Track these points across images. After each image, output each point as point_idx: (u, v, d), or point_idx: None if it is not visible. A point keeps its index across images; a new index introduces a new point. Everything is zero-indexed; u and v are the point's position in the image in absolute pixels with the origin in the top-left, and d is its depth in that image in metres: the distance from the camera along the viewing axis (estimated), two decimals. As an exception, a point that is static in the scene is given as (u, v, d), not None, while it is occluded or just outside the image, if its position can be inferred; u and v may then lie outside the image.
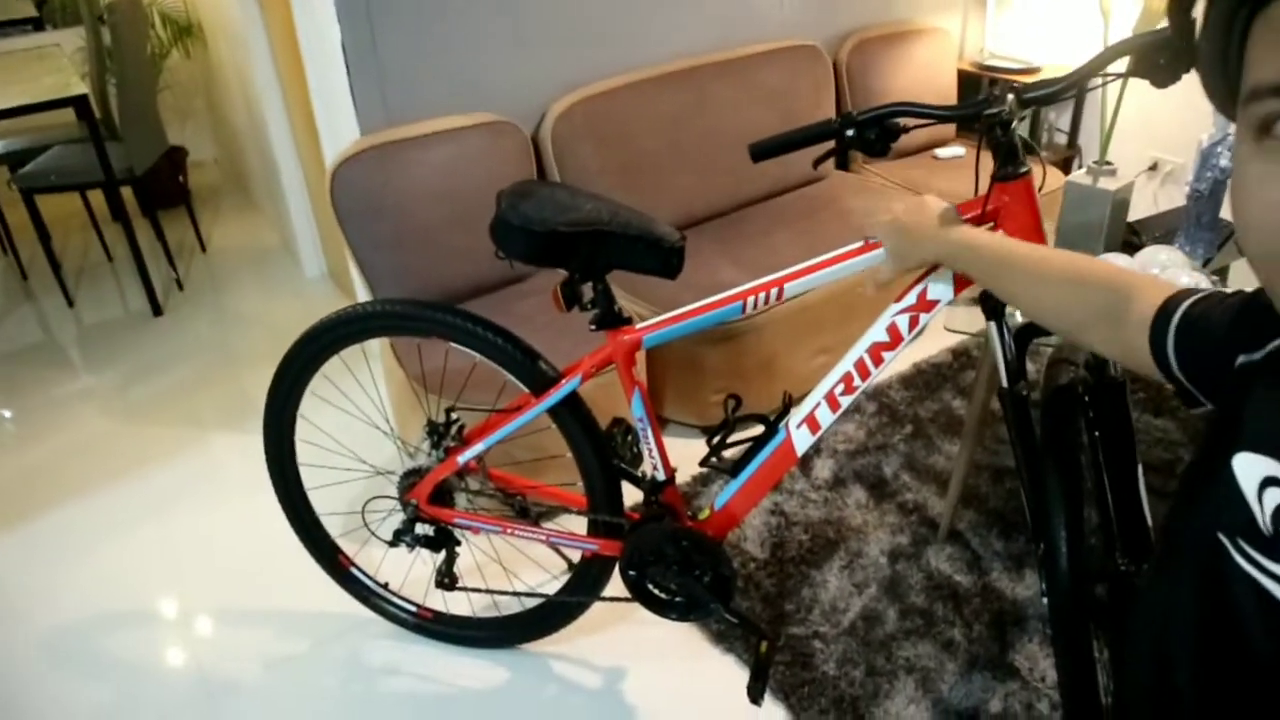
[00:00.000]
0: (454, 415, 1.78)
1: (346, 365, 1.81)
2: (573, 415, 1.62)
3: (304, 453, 1.86)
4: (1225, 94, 0.59)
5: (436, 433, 1.76)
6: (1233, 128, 1.58)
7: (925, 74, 3.32)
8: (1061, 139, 3.56)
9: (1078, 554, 1.34)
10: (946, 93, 3.40)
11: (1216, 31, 0.55)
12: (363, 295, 2.40)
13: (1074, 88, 1.31)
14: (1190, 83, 1.26)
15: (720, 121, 2.77)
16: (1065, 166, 3.45)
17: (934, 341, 2.83)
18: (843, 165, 3.28)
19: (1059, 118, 3.53)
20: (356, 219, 2.29)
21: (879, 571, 2.06)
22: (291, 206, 3.53)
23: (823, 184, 3.02)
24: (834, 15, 3.19)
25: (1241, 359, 0.74)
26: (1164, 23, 1.29)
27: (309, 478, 1.88)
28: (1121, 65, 1.28)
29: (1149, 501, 1.41)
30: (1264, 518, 0.63)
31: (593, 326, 1.51)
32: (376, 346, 2.30)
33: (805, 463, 2.37)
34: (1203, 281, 1.68)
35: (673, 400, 2.48)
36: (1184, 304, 0.84)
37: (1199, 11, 0.57)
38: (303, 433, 1.81)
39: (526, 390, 1.63)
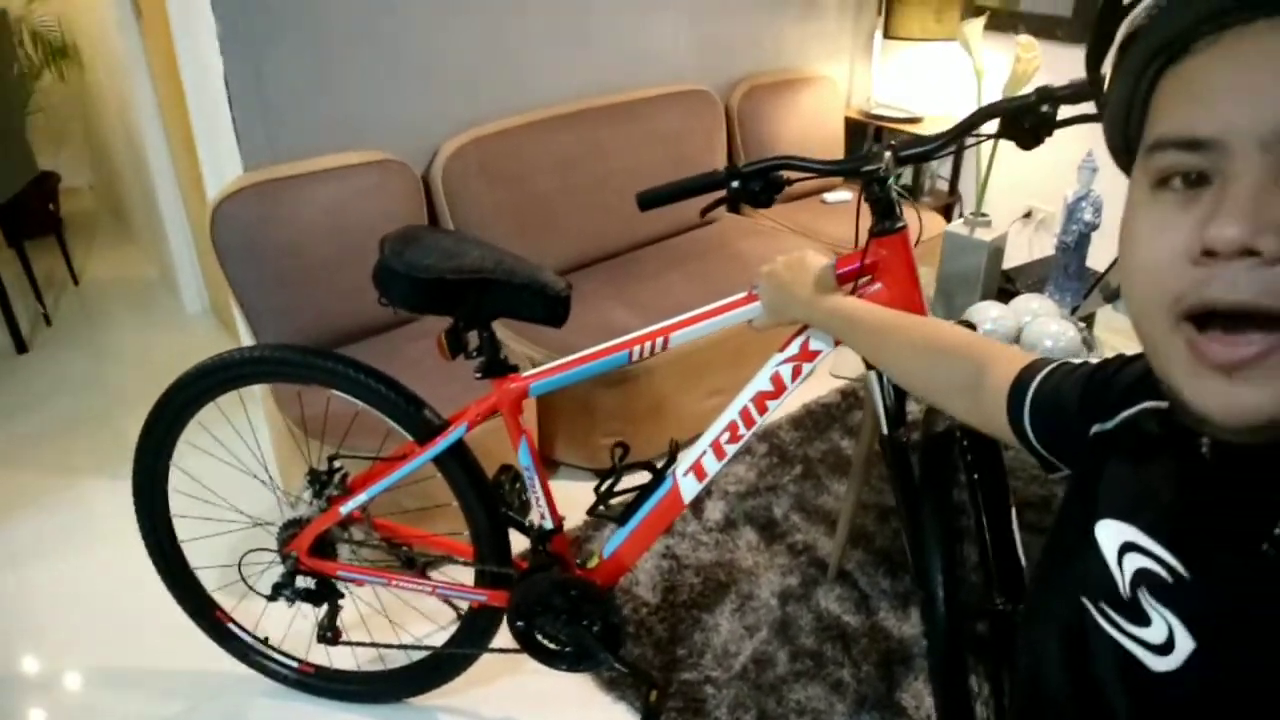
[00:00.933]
0: (337, 463, 1.73)
1: (222, 412, 1.74)
2: (458, 464, 1.59)
3: (178, 504, 1.77)
4: (1123, 145, 0.61)
5: (319, 481, 1.70)
6: (1094, 185, 1.66)
7: (814, 121, 3.42)
8: (944, 185, 3.70)
9: (953, 594, 1.37)
10: (834, 139, 3.51)
11: (1125, 83, 0.57)
12: (246, 333, 2.32)
13: (947, 147, 1.36)
14: (1059, 138, 1.32)
15: (614, 164, 2.79)
16: (947, 213, 3.59)
17: (824, 382, 2.89)
18: (735, 209, 3.34)
19: (940, 166, 3.67)
20: (238, 257, 2.21)
21: (770, 614, 2.07)
22: (172, 238, 3.40)
23: (714, 227, 3.07)
24: (726, 62, 3.27)
25: (1095, 428, 0.77)
26: (1029, 87, 1.36)
27: (183, 530, 1.79)
28: (993, 126, 1.34)
29: (1027, 540, 1.46)
30: (1123, 582, 0.65)
31: (478, 375, 1.49)
32: (256, 390, 2.22)
33: (697, 505, 2.38)
34: (1069, 329, 1.75)
35: (564, 443, 2.47)
36: (1038, 377, 0.87)
37: (1108, 65, 0.60)
38: (176, 482, 1.73)
39: (411, 439, 1.59)
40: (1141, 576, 0.63)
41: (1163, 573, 0.61)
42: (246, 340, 2.33)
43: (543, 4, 2.70)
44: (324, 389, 1.61)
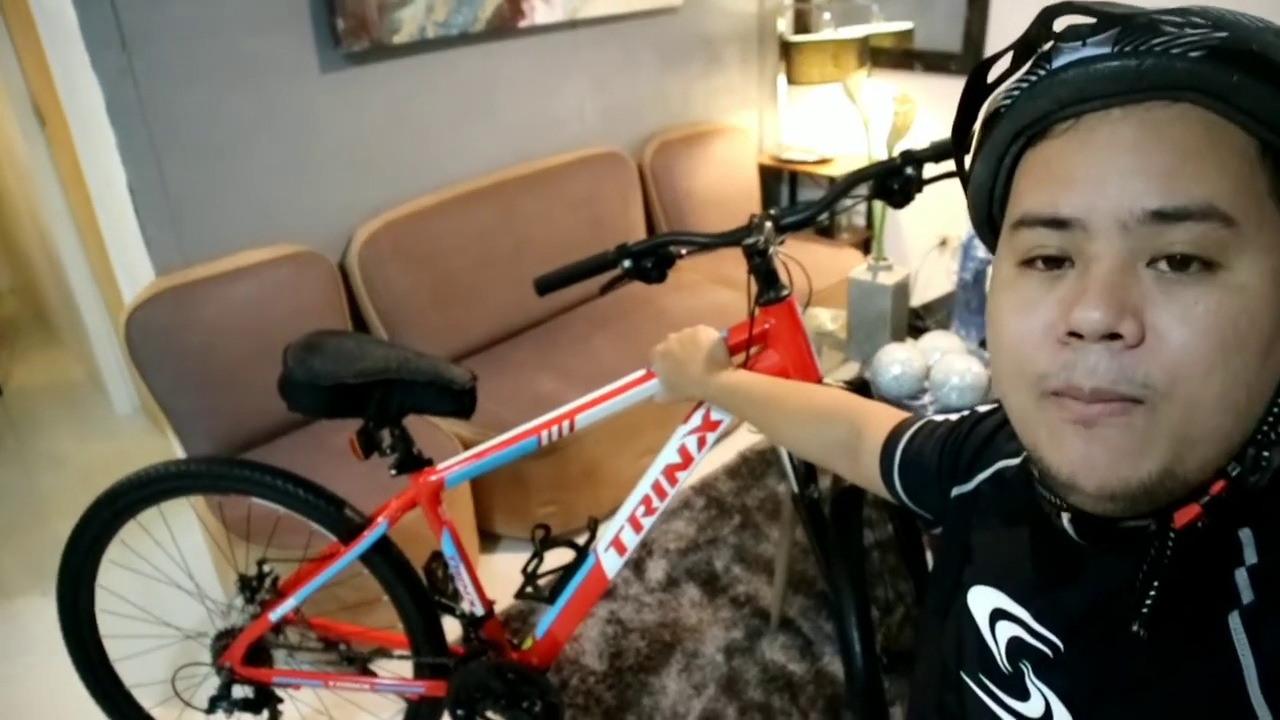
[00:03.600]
0: (266, 567, 1.72)
1: (143, 526, 1.73)
2: (384, 560, 1.59)
3: (108, 623, 1.75)
4: (988, 222, 0.63)
5: (249, 588, 1.69)
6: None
7: (727, 170, 3.50)
8: (860, 220, 3.80)
9: (869, 642, 1.40)
10: (749, 186, 3.59)
11: (988, 163, 0.59)
12: (174, 436, 2.31)
13: (824, 211, 1.42)
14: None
15: (530, 232, 2.83)
16: (865, 246, 3.68)
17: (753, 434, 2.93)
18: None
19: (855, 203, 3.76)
20: (156, 364, 2.20)
21: (716, 670, 2.08)
22: (96, 341, 3.36)
23: (636, 285, 3.10)
24: (634, 120, 3.34)
25: (955, 490, 0.78)
26: (901, 146, 1.42)
27: (116, 649, 1.76)
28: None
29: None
30: (999, 653, 0.65)
31: (393, 472, 1.51)
32: (180, 502, 2.20)
33: (638, 565, 2.40)
34: (975, 364, 1.81)
35: (502, 517, 2.47)
36: (904, 437, 0.89)
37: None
38: (103, 602, 1.71)
39: (335, 539, 1.60)
40: (1018, 648, 0.64)
41: (1036, 643, 0.62)
42: (176, 442, 2.32)
43: (448, 83, 2.74)
44: (243, 497, 1.61)
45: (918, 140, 1.43)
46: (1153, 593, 0.53)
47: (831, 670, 2.06)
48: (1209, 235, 0.48)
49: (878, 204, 2.45)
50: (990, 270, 0.63)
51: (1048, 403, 0.53)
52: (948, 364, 1.81)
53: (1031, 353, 0.53)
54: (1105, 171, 0.50)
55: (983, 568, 0.70)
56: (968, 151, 0.63)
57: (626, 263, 1.43)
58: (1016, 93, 0.56)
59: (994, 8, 3.03)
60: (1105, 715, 0.57)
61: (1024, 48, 0.55)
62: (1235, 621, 0.51)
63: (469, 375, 1.47)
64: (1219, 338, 0.48)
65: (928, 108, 3.02)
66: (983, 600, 0.68)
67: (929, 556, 1.54)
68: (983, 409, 0.81)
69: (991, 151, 0.58)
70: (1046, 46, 0.54)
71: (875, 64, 3.34)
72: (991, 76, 0.58)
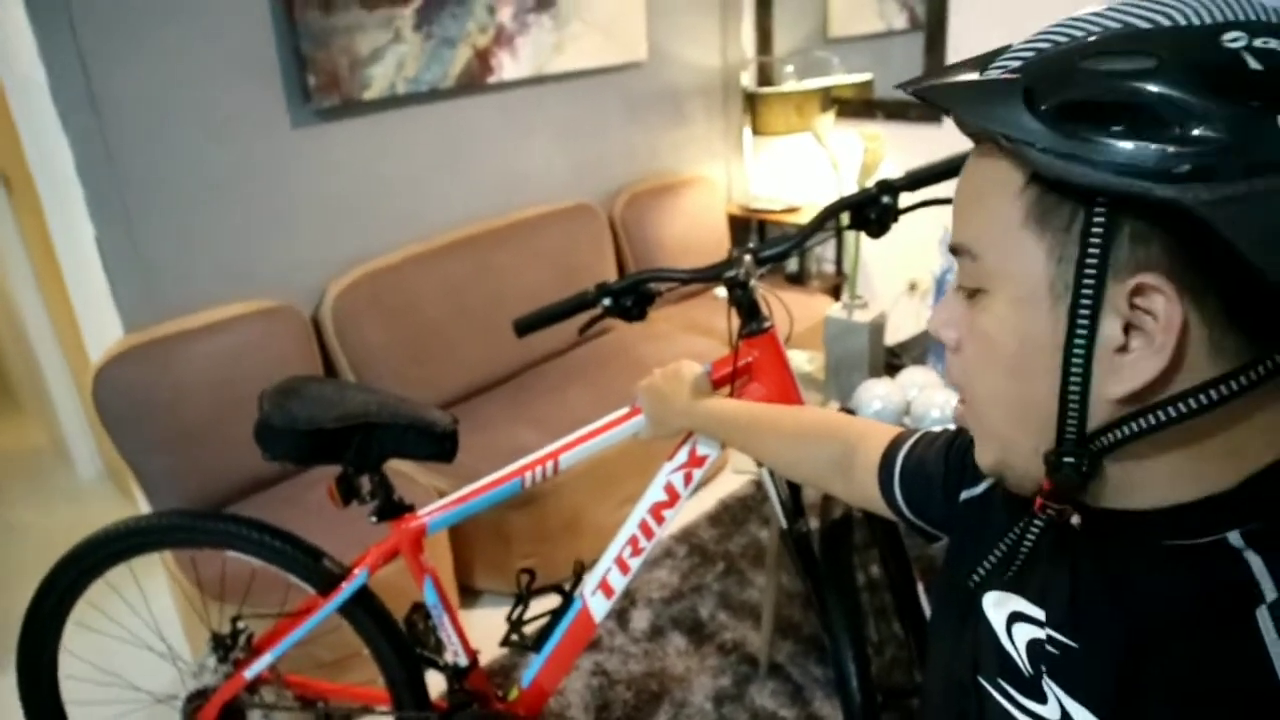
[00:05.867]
0: (241, 624, 1.67)
1: (111, 585, 1.67)
2: (364, 611, 1.56)
3: (71, 690, 1.68)
4: None
5: (223, 646, 1.64)
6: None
7: (697, 220, 3.53)
8: (830, 268, 3.84)
9: (865, 675, 1.38)
10: (719, 236, 3.63)
11: None
12: (143, 498, 2.25)
13: (803, 244, 1.42)
14: (927, 215, 1.40)
15: (503, 285, 2.83)
16: (836, 293, 3.72)
17: (736, 477, 2.92)
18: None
19: (825, 250, 3.82)
20: (125, 423, 2.15)
21: (706, 718, 2.04)
22: (59, 406, 3.29)
23: (611, 335, 3.12)
24: (604, 174, 3.37)
25: (964, 494, 0.78)
26: (880, 173, 1.44)
27: (79, 717, 1.69)
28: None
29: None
30: (1020, 657, 0.65)
31: (373, 519, 1.47)
32: (152, 558, 2.14)
33: (622, 615, 2.35)
34: (954, 398, 1.82)
35: (482, 570, 2.43)
36: (903, 449, 0.89)
37: None
38: (67, 667, 1.64)
39: (313, 591, 1.55)
40: (1036, 650, 0.63)
41: (1050, 645, 0.62)
42: (145, 503, 2.26)
43: (418, 138, 2.76)
44: (218, 551, 1.56)
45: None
46: (994, 556, 0.62)
47: (823, 714, 2.02)
48: (968, 268, 0.58)
49: (850, 244, 2.49)
50: None
51: None
52: (927, 398, 1.82)
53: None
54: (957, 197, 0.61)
55: (995, 571, 0.68)
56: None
57: (606, 301, 1.42)
58: None
59: (950, 56, 3.11)
60: (1134, 715, 0.56)
61: None
62: (1264, 615, 0.51)
63: (450, 418, 1.45)
64: (976, 351, 0.59)
65: (892, 154, 3.08)
66: (998, 604, 0.68)
67: (921, 591, 1.53)
68: None
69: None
70: None
71: (838, 114, 3.41)
72: None
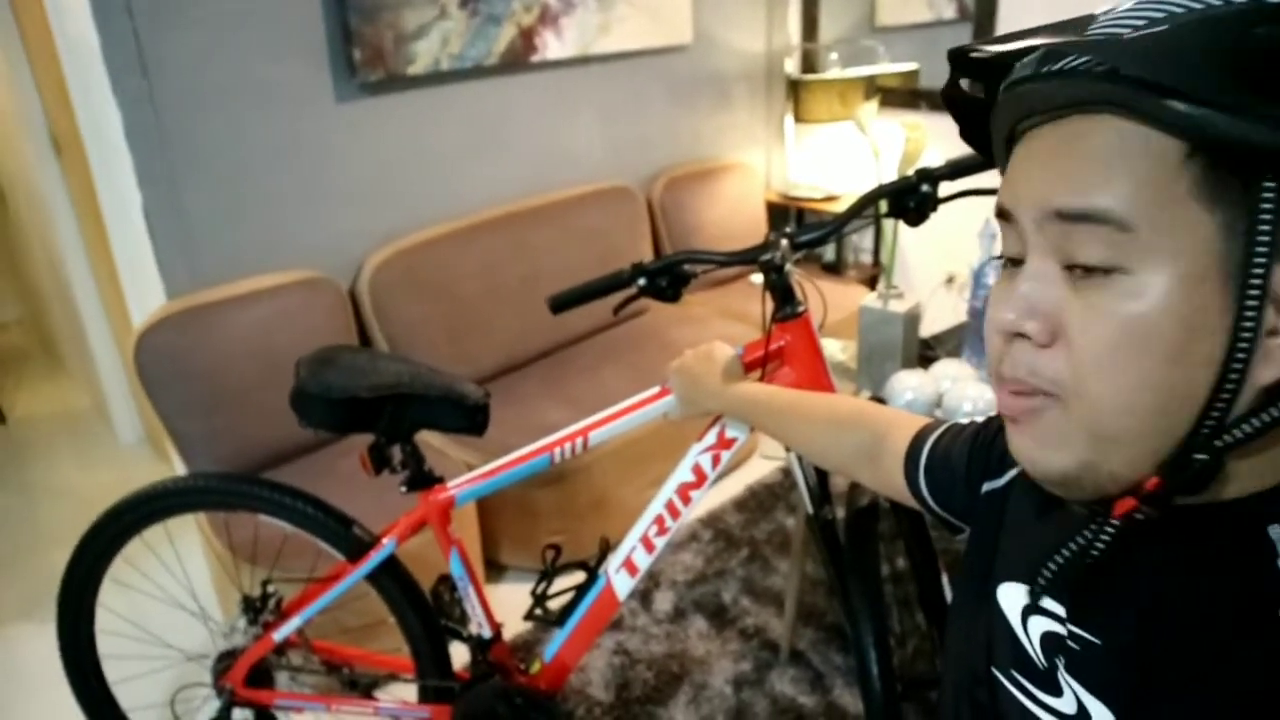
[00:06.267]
0: (271, 588, 1.70)
1: (147, 545, 1.71)
2: (392, 579, 1.58)
3: (107, 644, 1.72)
4: None
5: (252, 608, 1.67)
6: (995, 250, 1.73)
7: (735, 207, 3.52)
8: (867, 258, 3.81)
9: (887, 665, 1.38)
10: (756, 223, 3.62)
11: (1000, 155, 0.63)
12: (180, 461, 2.29)
13: (839, 230, 1.42)
14: (968, 207, 1.38)
15: (539, 265, 2.84)
16: (872, 283, 3.69)
17: (765, 463, 2.92)
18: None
19: (862, 239, 3.79)
20: (165, 387, 2.20)
21: (725, 702, 2.05)
22: (103, 370, 3.36)
23: (646, 316, 3.12)
24: (644, 156, 3.37)
25: (986, 487, 0.78)
26: (921, 162, 1.43)
27: (115, 671, 1.74)
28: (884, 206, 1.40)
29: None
30: (1035, 650, 0.64)
31: (403, 489, 1.49)
32: (186, 520, 2.18)
33: (645, 596, 2.37)
34: (987, 392, 1.80)
35: (508, 546, 2.45)
36: (930, 439, 0.89)
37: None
38: (103, 622, 1.68)
39: (342, 558, 1.58)
40: (1051, 643, 0.63)
41: (1070, 639, 0.61)
42: (182, 468, 2.30)
43: (460, 115, 2.77)
44: (251, 515, 1.59)
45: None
46: (1061, 559, 0.58)
47: (842, 703, 2.02)
48: (1105, 239, 0.50)
49: (888, 232, 2.46)
50: None
51: (997, 389, 0.59)
52: (959, 391, 1.81)
53: (990, 339, 0.58)
54: (1029, 171, 0.55)
55: (1013, 563, 0.70)
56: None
57: (641, 281, 1.42)
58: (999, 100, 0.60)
59: (1000, 48, 3.07)
60: (1152, 711, 0.56)
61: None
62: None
63: (482, 391, 1.46)
64: (1119, 340, 0.50)
65: (935, 144, 3.04)
66: (1014, 596, 0.68)
67: (945, 583, 1.52)
68: None
69: (999, 147, 0.63)
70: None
71: (882, 103, 3.37)
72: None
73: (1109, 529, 0.55)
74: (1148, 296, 0.50)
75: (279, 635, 1.60)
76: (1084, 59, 0.51)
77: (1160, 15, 0.49)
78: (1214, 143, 0.48)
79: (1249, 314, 0.49)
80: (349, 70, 2.47)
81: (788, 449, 1.47)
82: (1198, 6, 0.48)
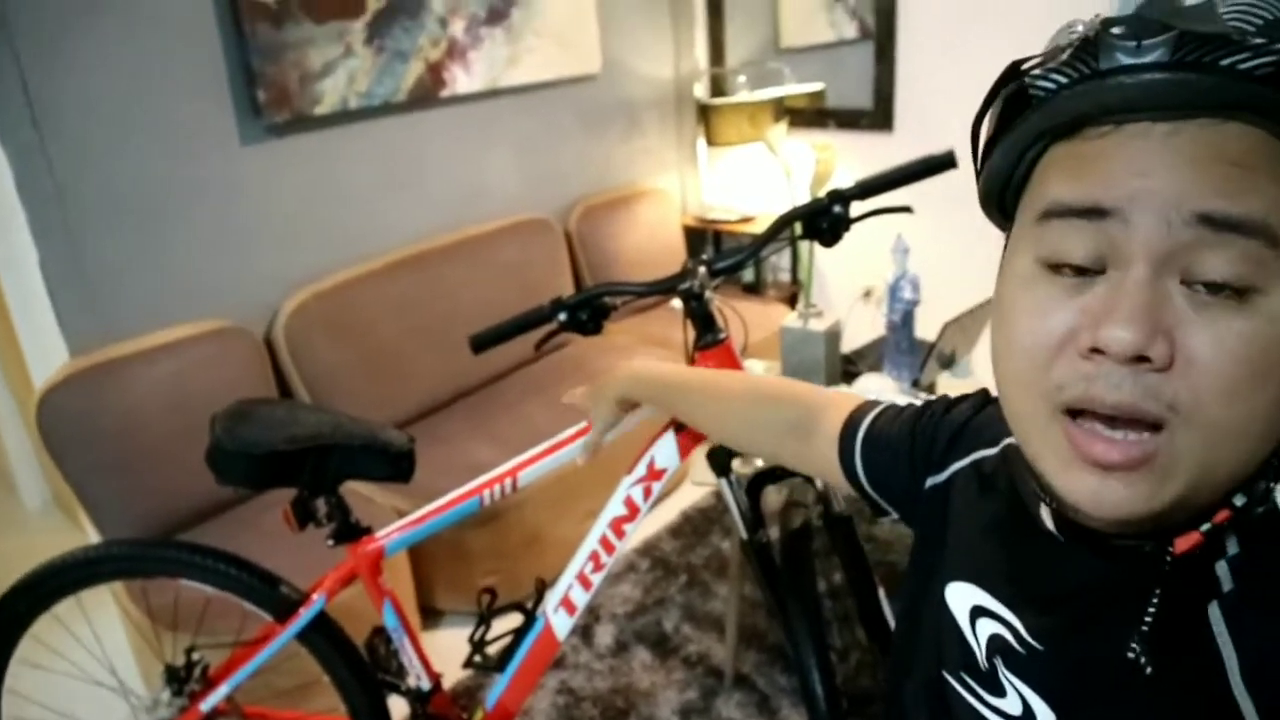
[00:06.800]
0: (195, 655, 1.63)
1: (58, 618, 1.62)
2: (323, 637, 1.53)
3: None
4: (998, 204, 0.60)
5: (177, 678, 1.60)
6: (907, 264, 1.74)
7: (652, 232, 3.54)
8: (785, 277, 3.86)
9: (831, 684, 1.38)
10: (674, 248, 3.64)
11: (1011, 150, 0.55)
12: (91, 526, 2.19)
13: (757, 254, 1.43)
14: (882, 225, 1.41)
15: (459, 302, 2.81)
16: (792, 301, 3.74)
17: (696, 488, 2.91)
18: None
19: (780, 259, 3.84)
20: (71, 449, 2.10)
21: (672, 732, 2.03)
22: (4, 432, 3.20)
23: (569, 349, 3.10)
24: (560, 187, 3.37)
25: (929, 482, 0.76)
26: (826, 189, 1.45)
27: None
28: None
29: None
30: (980, 651, 0.64)
31: (330, 542, 1.45)
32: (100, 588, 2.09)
33: (586, 631, 2.34)
34: (916, 402, 1.84)
35: (444, 591, 2.40)
36: (868, 418, 0.85)
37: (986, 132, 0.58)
38: (14, 710, 1.59)
39: (270, 618, 1.52)
40: (996, 644, 0.62)
41: (1014, 641, 0.61)
42: (94, 532, 2.20)
43: (371, 153, 2.73)
44: (170, 579, 1.53)
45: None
46: (1149, 618, 0.51)
47: (789, 725, 2.02)
48: (1251, 254, 0.46)
49: (805, 252, 2.50)
50: (1000, 262, 0.58)
51: (1058, 425, 0.51)
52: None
53: (1047, 359, 0.51)
54: (1151, 166, 0.47)
55: (960, 563, 0.69)
56: (978, 142, 0.60)
57: (562, 316, 1.42)
58: (1051, 85, 0.52)
59: (900, 64, 3.16)
60: (1090, 712, 0.56)
61: (1079, 45, 0.50)
62: (1215, 612, 0.51)
63: (406, 438, 1.43)
64: (1249, 365, 0.46)
65: (844, 161, 3.11)
66: (962, 597, 0.67)
67: (882, 595, 1.53)
68: (952, 395, 0.80)
69: (1016, 142, 0.55)
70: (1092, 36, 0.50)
71: (791, 123, 3.43)
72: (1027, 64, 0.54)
73: (1168, 568, 0.51)
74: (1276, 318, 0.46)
75: (207, 705, 1.54)
76: (1245, 56, 0.45)
77: (1274, 16, 0.46)
78: None
79: None
80: (254, 112, 2.42)
81: (727, 460, 1.45)
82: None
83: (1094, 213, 0.49)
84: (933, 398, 0.82)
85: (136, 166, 2.25)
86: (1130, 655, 0.52)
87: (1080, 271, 0.50)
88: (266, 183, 2.51)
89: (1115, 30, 0.48)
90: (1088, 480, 0.50)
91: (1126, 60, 0.48)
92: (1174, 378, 0.47)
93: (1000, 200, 0.59)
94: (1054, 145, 0.54)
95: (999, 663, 0.62)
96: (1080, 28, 0.50)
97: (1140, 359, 0.47)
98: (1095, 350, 0.48)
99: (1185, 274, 0.47)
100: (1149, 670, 0.51)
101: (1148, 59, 0.47)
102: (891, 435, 0.81)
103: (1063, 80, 0.51)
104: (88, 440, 2.11)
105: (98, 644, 1.84)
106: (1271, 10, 0.46)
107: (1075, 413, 0.50)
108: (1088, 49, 0.50)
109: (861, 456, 0.83)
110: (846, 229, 1.40)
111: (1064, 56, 0.51)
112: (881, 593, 1.55)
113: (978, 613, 0.65)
